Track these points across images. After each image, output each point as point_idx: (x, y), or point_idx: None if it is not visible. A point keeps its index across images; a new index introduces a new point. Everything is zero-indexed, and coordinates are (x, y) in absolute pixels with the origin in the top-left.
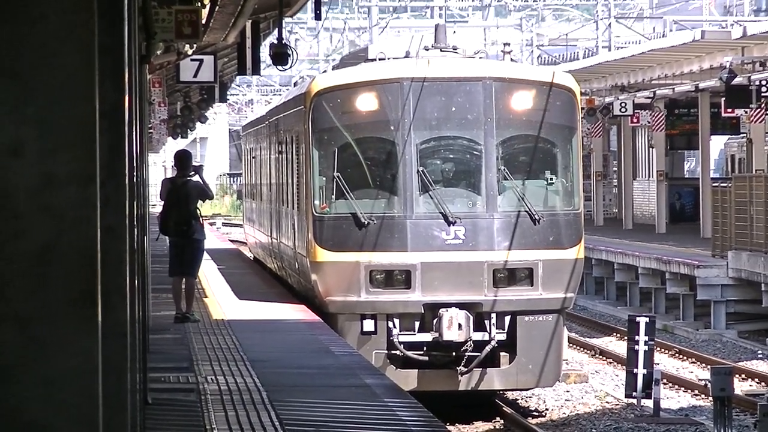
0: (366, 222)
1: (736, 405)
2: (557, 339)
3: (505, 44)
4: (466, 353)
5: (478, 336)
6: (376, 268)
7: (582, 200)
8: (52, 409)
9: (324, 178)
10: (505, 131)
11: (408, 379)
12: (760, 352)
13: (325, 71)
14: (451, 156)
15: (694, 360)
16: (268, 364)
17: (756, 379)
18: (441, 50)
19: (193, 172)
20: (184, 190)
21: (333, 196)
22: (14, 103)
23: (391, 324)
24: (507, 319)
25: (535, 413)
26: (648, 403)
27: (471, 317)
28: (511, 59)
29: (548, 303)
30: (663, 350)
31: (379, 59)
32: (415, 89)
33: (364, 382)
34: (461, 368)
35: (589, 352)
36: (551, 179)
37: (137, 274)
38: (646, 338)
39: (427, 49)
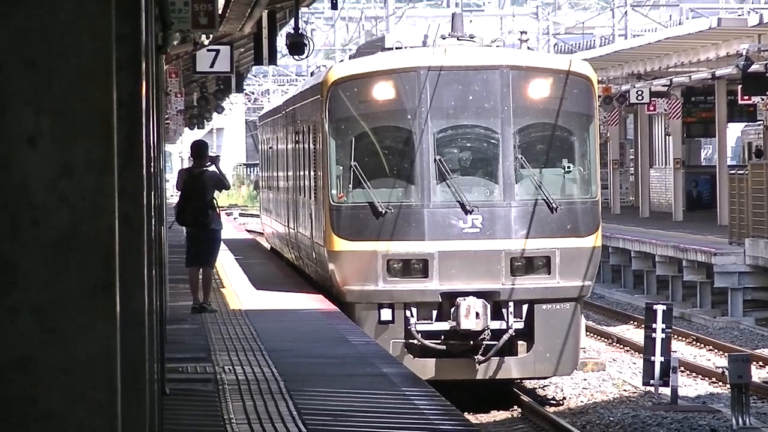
0: (383, 211)
1: (753, 392)
2: (575, 327)
3: (521, 32)
4: (484, 342)
5: (495, 324)
6: (394, 257)
7: (599, 188)
8: (70, 399)
9: (341, 168)
10: (522, 119)
11: (425, 368)
12: None
13: (341, 60)
14: (469, 144)
15: (711, 347)
16: (286, 353)
17: None
18: (458, 39)
19: (209, 163)
20: (201, 181)
21: (350, 186)
22: (31, 92)
23: (408, 313)
24: (524, 307)
25: (552, 401)
26: (665, 390)
27: (488, 306)
28: (528, 48)
29: (566, 291)
30: (680, 338)
31: (396, 48)
32: (432, 78)
33: (382, 371)
34: (479, 357)
35: (606, 340)
36: (568, 167)
37: (154, 264)
38: (664, 326)
39: (444, 38)
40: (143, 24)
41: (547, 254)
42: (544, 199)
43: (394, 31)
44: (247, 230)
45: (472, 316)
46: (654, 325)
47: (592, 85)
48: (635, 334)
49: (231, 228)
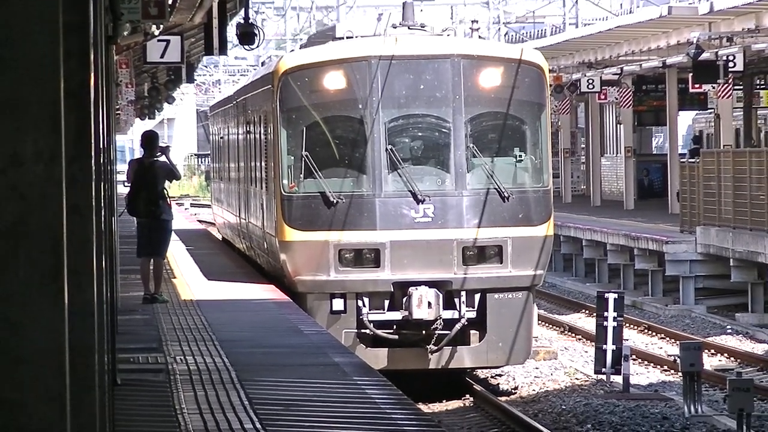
0: (335, 201)
1: (705, 380)
2: (527, 316)
3: (473, 21)
4: (436, 331)
5: (447, 314)
6: (345, 247)
7: (551, 177)
8: (21, 387)
9: (292, 158)
10: (473, 108)
11: (378, 358)
12: (729, 327)
13: (293, 50)
14: (420, 134)
15: (663, 335)
16: (238, 343)
17: (725, 354)
18: (409, 28)
19: (160, 153)
20: (152, 171)
21: (301, 176)
22: None
23: (360, 303)
24: (477, 296)
25: (504, 390)
26: (617, 379)
27: (441, 295)
28: (479, 37)
29: (518, 280)
30: (632, 326)
31: (347, 37)
32: (383, 67)
33: (333, 361)
34: (431, 347)
35: (558, 328)
36: (520, 156)
37: (105, 254)
38: (615, 314)
39: (395, 27)
40: (92, 14)
41: (499, 243)
42: (495, 188)
43: (346, 20)
44: (198, 220)
45: (424, 305)
46: (606, 314)
47: (544, 73)
48: (587, 322)
49: (182, 218)
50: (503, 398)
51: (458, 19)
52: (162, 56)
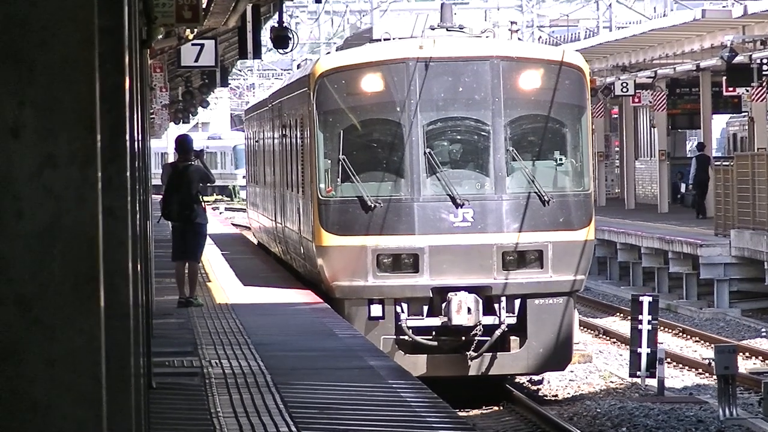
0: (372, 205)
1: (740, 383)
2: (568, 322)
3: (512, 23)
4: (476, 338)
5: (487, 320)
6: (383, 252)
7: (592, 180)
8: (55, 390)
9: (329, 161)
10: (513, 111)
11: (417, 365)
12: (763, 330)
13: (329, 52)
14: (459, 137)
15: (697, 339)
16: (272, 347)
17: (760, 357)
18: (447, 29)
19: (194, 157)
20: (186, 175)
21: (338, 179)
22: (15, 84)
23: (399, 309)
24: (517, 302)
25: (539, 394)
26: (652, 382)
27: (480, 301)
28: (518, 38)
29: (559, 285)
30: (666, 329)
31: (384, 39)
32: (421, 69)
33: (368, 364)
34: (471, 353)
35: (592, 332)
36: (561, 160)
37: (140, 257)
38: (650, 317)
39: (433, 29)
40: (126, 17)
41: (539, 248)
42: (536, 192)
43: (383, 21)
44: (233, 224)
45: (463, 311)
46: (640, 317)
47: (585, 75)
48: (621, 325)
49: (217, 222)
50: (538, 402)
51: (491, 23)
52: (196, 60)
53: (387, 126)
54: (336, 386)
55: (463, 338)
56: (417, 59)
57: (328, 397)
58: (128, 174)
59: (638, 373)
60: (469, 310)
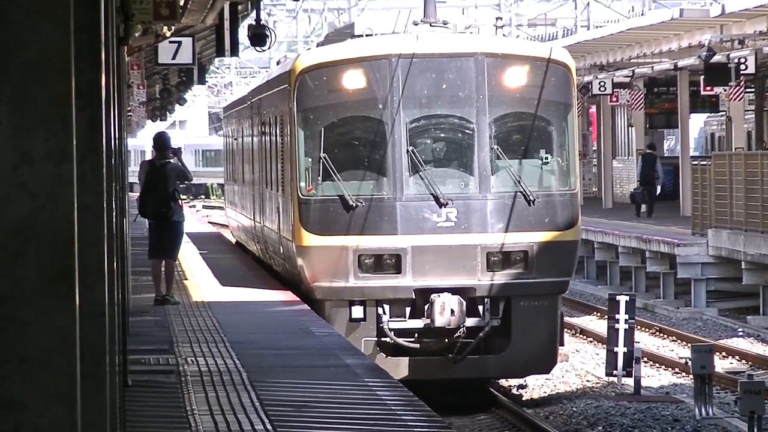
0: (354, 204)
1: (716, 383)
2: (553, 324)
3: (497, 18)
4: (459, 340)
5: (471, 322)
6: (365, 252)
7: (578, 180)
8: (30, 387)
9: (310, 159)
10: (498, 109)
11: (399, 367)
12: (740, 329)
13: (308, 48)
14: (442, 135)
15: (674, 338)
16: (248, 345)
17: (736, 357)
18: (430, 25)
19: (171, 155)
20: (163, 173)
21: (319, 178)
22: None
23: (380, 310)
24: (501, 303)
25: (515, 393)
26: (629, 381)
27: (464, 302)
28: (503, 35)
29: (544, 287)
30: (643, 329)
31: (366, 35)
32: (404, 66)
33: (345, 363)
34: (454, 355)
35: (569, 331)
36: (546, 158)
37: (116, 254)
38: (627, 317)
39: (416, 24)
40: (103, 14)
41: (524, 249)
42: (521, 192)
43: (365, 17)
44: (209, 222)
45: (447, 313)
46: (617, 316)
47: (571, 72)
48: (598, 324)
49: (194, 221)
50: (514, 401)
51: (473, 18)
52: (173, 58)
53: (369, 123)
54: (312, 384)
55: (447, 340)
56: (400, 55)
57: (304, 395)
58: (104, 171)
59: (615, 372)
60: (452, 311)
